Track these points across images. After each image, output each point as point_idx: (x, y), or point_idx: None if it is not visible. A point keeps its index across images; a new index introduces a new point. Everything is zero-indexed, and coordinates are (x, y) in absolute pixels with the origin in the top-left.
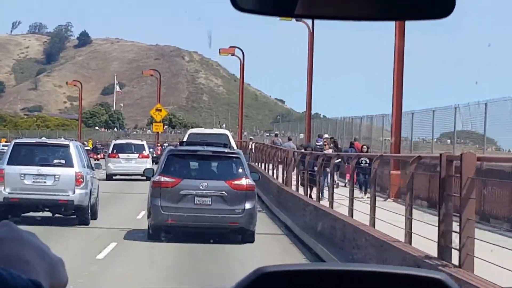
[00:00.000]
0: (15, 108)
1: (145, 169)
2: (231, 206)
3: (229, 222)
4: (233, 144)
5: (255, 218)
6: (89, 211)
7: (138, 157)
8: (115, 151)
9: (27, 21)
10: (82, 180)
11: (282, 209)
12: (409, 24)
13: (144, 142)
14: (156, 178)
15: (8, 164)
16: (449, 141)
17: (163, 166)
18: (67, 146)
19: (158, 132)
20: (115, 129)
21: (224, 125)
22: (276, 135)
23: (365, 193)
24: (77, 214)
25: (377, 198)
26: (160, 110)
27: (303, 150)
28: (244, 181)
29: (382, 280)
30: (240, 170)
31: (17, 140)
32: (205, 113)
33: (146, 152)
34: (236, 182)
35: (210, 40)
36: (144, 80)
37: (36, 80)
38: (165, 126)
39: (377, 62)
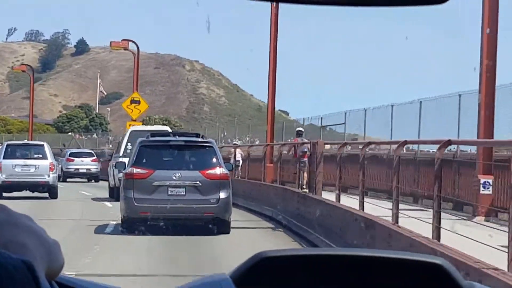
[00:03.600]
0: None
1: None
2: (206, 196)
3: (204, 212)
4: None
5: (230, 207)
6: (57, 189)
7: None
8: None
9: (23, 28)
10: (53, 167)
11: None
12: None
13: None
14: (129, 169)
15: (3, 158)
16: None
17: (135, 157)
18: (42, 145)
19: None
20: (95, 136)
21: (236, 139)
22: (300, 134)
23: None
24: (49, 192)
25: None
26: (138, 102)
27: None
28: (218, 170)
29: (382, 265)
30: (213, 159)
31: (9, 142)
32: (206, 124)
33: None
34: (209, 171)
35: (208, 25)
36: (143, 90)
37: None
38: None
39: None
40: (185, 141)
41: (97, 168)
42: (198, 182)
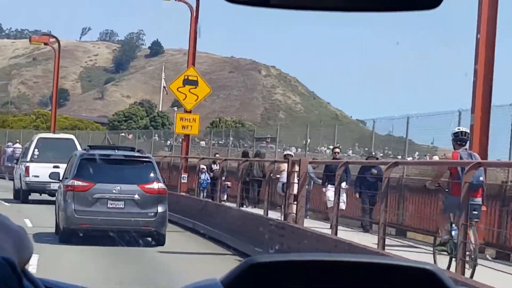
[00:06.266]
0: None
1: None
2: (144, 210)
3: (142, 226)
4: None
5: (166, 221)
6: None
7: None
8: None
9: (97, 27)
10: None
11: None
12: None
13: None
14: (69, 182)
15: None
16: None
17: (75, 170)
18: None
19: (188, 136)
20: (156, 137)
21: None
22: (463, 140)
23: None
24: None
25: None
26: (195, 84)
27: None
28: (156, 185)
29: (372, 271)
30: (152, 174)
31: None
32: (281, 130)
33: None
34: (148, 186)
35: (199, 31)
36: (217, 94)
37: (103, 89)
38: (230, 137)
39: None
40: (125, 156)
41: None
42: (136, 196)
